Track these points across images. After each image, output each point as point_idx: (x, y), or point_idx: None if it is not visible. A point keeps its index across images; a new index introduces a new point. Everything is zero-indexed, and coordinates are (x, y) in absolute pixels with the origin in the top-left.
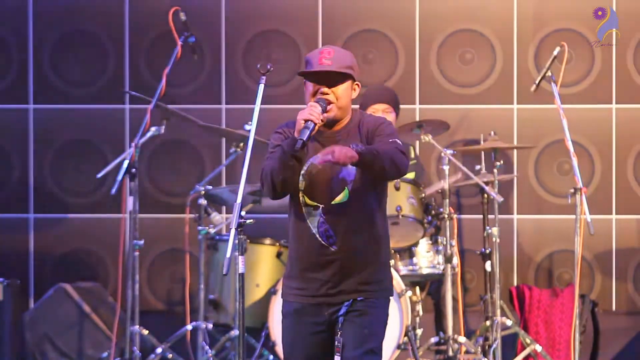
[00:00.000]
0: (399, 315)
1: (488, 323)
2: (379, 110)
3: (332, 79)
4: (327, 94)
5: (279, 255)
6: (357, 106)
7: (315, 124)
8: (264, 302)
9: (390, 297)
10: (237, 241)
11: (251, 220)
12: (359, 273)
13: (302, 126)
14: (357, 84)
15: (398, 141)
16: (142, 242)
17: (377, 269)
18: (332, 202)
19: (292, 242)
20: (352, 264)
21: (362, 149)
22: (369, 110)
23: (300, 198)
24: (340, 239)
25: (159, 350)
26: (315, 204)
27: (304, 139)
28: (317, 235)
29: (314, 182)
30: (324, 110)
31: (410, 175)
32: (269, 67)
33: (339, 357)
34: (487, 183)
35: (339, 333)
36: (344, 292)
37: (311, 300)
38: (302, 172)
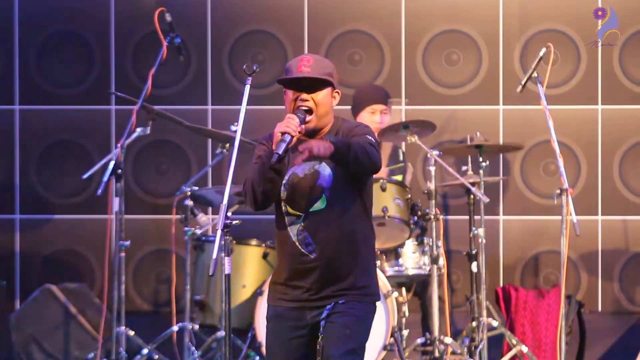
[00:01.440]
0: (385, 316)
1: (474, 324)
2: (377, 111)
3: (312, 85)
4: (306, 100)
5: (265, 256)
6: (347, 108)
7: (292, 137)
8: (250, 303)
9: (377, 302)
10: (223, 242)
11: (237, 221)
12: (341, 280)
13: (279, 139)
14: (337, 92)
15: (370, 137)
16: (128, 243)
17: (359, 276)
18: (310, 210)
19: (277, 250)
20: (333, 271)
21: (336, 139)
22: (367, 110)
23: (283, 207)
24: (320, 247)
25: (145, 351)
26: (298, 213)
27: (280, 152)
28: (297, 243)
29: (295, 191)
30: (302, 122)
31: (398, 178)
32: (255, 68)
33: None
34: (473, 184)
35: (320, 337)
36: (326, 297)
37: (293, 304)
38: (284, 181)
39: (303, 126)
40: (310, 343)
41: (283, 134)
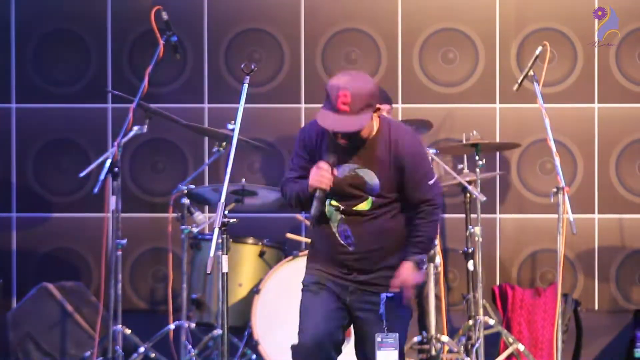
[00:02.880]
0: None
1: (471, 322)
2: (384, 111)
3: (350, 133)
4: (345, 140)
5: (261, 254)
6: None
7: (325, 192)
8: (247, 302)
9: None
10: (220, 240)
11: (235, 220)
12: (378, 270)
13: (313, 194)
14: (378, 108)
15: (437, 188)
16: (124, 241)
17: (396, 265)
18: (354, 208)
19: (314, 238)
20: (367, 266)
21: (420, 260)
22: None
23: (326, 199)
24: (358, 242)
25: (141, 349)
26: (338, 204)
27: (317, 213)
28: (337, 234)
29: (339, 185)
30: (334, 165)
31: None
32: (253, 67)
33: (384, 352)
34: (469, 182)
35: (358, 327)
36: (365, 283)
37: (334, 279)
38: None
39: (336, 173)
40: (344, 318)
41: (316, 189)
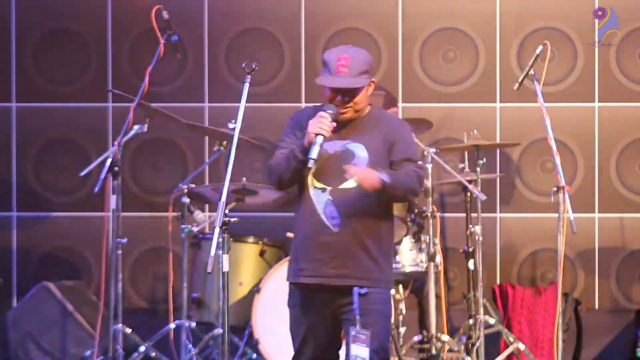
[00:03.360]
0: None
1: (471, 321)
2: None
3: (350, 92)
4: (346, 104)
5: (262, 253)
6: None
7: (324, 138)
8: (247, 301)
9: (391, 289)
10: (220, 239)
11: (236, 219)
12: (360, 257)
13: (312, 140)
14: (372, 81)
15: (419, 163)
16: (125, 240)
17: (377, 256)
18: (340, 187)
19: (296, 223)
20: (354, 246)
21: (386, 180)
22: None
23: (309, 180)
24: (344, 222)
25: (142, 348)
26: (323, 186)
27: (314, 158)
28: (322, 216)
29: (324, 165)
30: (334, 118)
31: None
32: (254, 66)
33: (356, 346)
34: (470, 181)
35: (358, 324)
36: (344, 276)
37: (313, 280)
38: (314, 156)
39: (334, 124)
40: (332, 326)
41: (316, 135)
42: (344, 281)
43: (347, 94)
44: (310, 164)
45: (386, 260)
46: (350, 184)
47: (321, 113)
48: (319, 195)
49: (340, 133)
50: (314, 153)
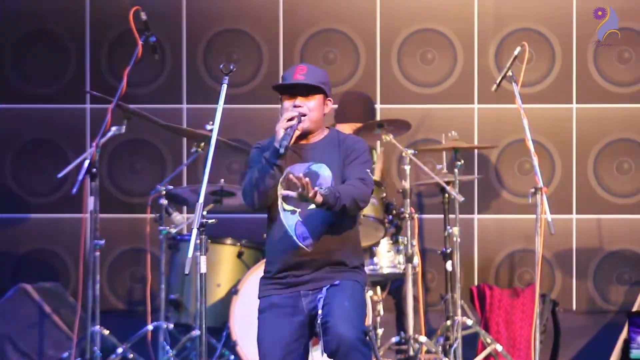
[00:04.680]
0: None
1: (449, 323)
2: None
3: (306, 93)
4: (300, 106)
5: (240, 255)
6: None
7: (295, 129)
8: (225, 302)
9: (364, 286)
10: (198, 241)
11: (214, 220)
12: (332, 272)
13: (282, 135)
14: (329, 100)
15: (368, 171)
16: (102, 241)
17: (349, 269)
18: (309, 208)
19: (269, 244)
20: (327, 262)
21: (327, 193)
22: (349, 125)
23: (279, 203)
24: (315, 241)
25: (119, 350)
26: (293, 208)
27: (287, 143)
28: (294, 237)
29: (291, 188)
30: (299, 120)
31: (375, 178)
32: (232, 67)
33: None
34: (448, 183)
35: (320, 318)
36: (320, 280)
37: (287, 292)
38: (281, 179)
39: (301, 124)
40: (305, 328)
41: (286, 129)
42: (318, 284)
43: (303, 94)
44: (283, 149)
45: (358, 269)
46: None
47: (287, 113)
48: (288, 218)
49: (302, 157)
50: (286, 140)
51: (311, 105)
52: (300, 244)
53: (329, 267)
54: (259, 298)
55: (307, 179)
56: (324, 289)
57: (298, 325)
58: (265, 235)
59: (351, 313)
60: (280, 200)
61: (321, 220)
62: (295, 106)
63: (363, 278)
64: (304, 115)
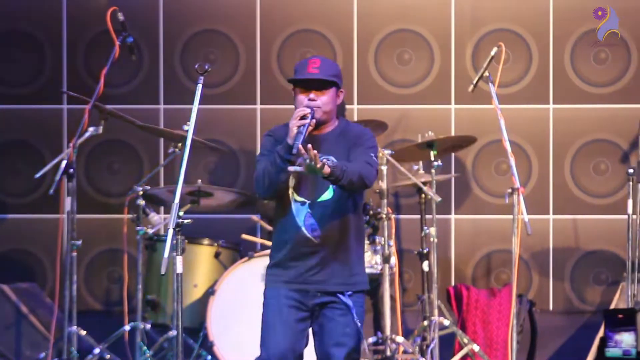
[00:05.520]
0: None
1: (426, 323)
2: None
3: (319, 86)
4: (314, 99)
5: (217, 255)
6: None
7: (307, 128)
8: (202, 303)
9: (366, 290)
10: (175, 241)
11: (189, 221)
12: (338, 264)
13: (295, 132)
14: (341, 91)
15: (373, 155)
16: (79, 242)
17: (354, 262)
18: (318, 199)
19: (277, 234)
20: (332, 255)
21: (334, 165)
22: None
23: (290, 194)
24: (323, 232)
25: (96, 350)
26: (303, 199)
27: (299, 143)
28: (303, 228)
29: (302, 180)
30: (312, 116)
31: None
32: (207, 67)
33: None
34: (425, 183)
35: (318, 324)
36: (324, 282)
37: (293, 286)
38: (292, 173)
39: (314, 120)
40: (308, 322)
41: (299, 127)
42: (323, 287)
43: (317, 88)
44: (295, 149)
45: (361, 264)
46: (326, 195)
47: (301, 109)
48: (299, 209)
49: (314, 146)
50: (299, 139)
51: (324, 99)
52: (308, 235)
53: (336, 266)
54: (266, 286)
55: (315, 151)
56: (349, 302)
57: (303, 317)
58: (243, 236)
59: (349, 342)
60: (291, 191)
61: (330, 212)
62: (309, 99)
63: (366, 282)
64: (318, 107)
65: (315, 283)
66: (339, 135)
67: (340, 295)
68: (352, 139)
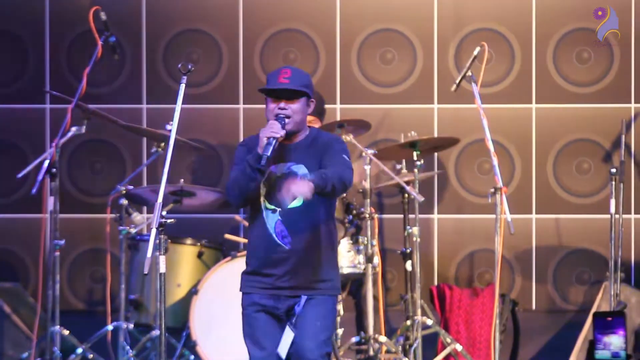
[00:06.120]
0: None
1: (409, 322)
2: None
3: (290, 95)
4: (284, 108)
5: (200, 255)
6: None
7: (276, 140)
8: (185, 302)
9: (338, 295)
10: (158, 241)
11: (172, 220)
12: (310, 270)
13: (265, 143)
14: (311, 101)
15: (345, 157)
16: (62, 242)
17: (326, 268)
18: (288, 207)
19: (251, 241)
20: (304, 261)
21: (312, 178)
22: None
23: (261, 202)
24: (294, 239)
25: (79, 350)
26: (274, 207)
27: (268, 154)
28: (274, 235)
29: (272, 188)
30: (283, 127)
31: None
32: (190, 67)
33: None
34: (407, 182)
35: (290, 326)
36: (297, 287)
37: (267, 292)
38: (263, 180)
39: (284, 131)
40: (282, 327)
41: (269, 138)
42: (295, 292)
43: (288, 98)
44: (264, 160)
45: (334, 269)
46: (296, 202)
47: (271, 122)
48: (269, 216)
49: (283, 157)
50: (267, 151)
51: (295, 108)
52: (279, 242)
53: (308, 272)
54: (241, 291)
55: (291, 189)
56: (303, 299)
57: (278, 322)
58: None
59: (320, 335)
60: (262, 199)
61: (300, 219)
62: (280, 109)
63: (338, 288)
64: (289, 117)
65: (286, 289)
66: (309, 144)
67: (304, 296)
68: (321, 147)
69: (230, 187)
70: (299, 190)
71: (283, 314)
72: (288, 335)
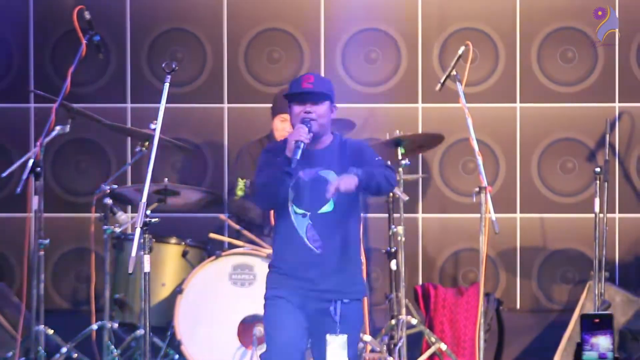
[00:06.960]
0: None
1: (393, 322)
2: (287, 120)
3: (314, 99)
4: (309, 112)
5: (184, 254)
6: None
7: (304, 143)
8: (170, 302)
9: (365, 297)
10: (142, 240)
11: (157, 219)
12: (339, 273)
13: (293, 146)
14: (334, 106)
15: (381, 159)
16: (47, 241)
17: (354, 271)
18: (319, 212)
19: (277, 244)
20: (333, 265)
21: (359, 172)
22: (278, 118)
23: (290, 207)
24: (324, 243)
25: (64, 349)
26: (303, 211)
27: (297, 157)
28: (305, 239)
29: (302, 192)
30: (310, 130)
31: None
32: (174, 66)
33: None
34: None
35: (338, 330)
36: (327, 291)
37: (298, 292)
38: (291, 184)
39: (311, 134)
40: (307, 328)
41: (297, 141)
42: (326, 295)
43: (312, 101)
44: (294, 163)
45: (361, 273)
46: (327, 208)
47: (299, 125)
48: (300, 220)
49: (311, 163)
50: (296, 154)
51: (320, 111)
52: (311, 246)
53: (339, 277)
54: (267, 290)
55: (337, 182)
56: (337, 305)
57: (303, 319)
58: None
59: (354, 344)
60: (290, 203)
61: (332, 224)
62: (306, 112)
63: (365, 291)
64: (314, 120)
65: (316, 291)
66: (336, 149)
67: (332, 309)
68: (350, 153)
69: (259, 192)
70: (344, 184)
71: (310, 315)
72: (337, 340)
